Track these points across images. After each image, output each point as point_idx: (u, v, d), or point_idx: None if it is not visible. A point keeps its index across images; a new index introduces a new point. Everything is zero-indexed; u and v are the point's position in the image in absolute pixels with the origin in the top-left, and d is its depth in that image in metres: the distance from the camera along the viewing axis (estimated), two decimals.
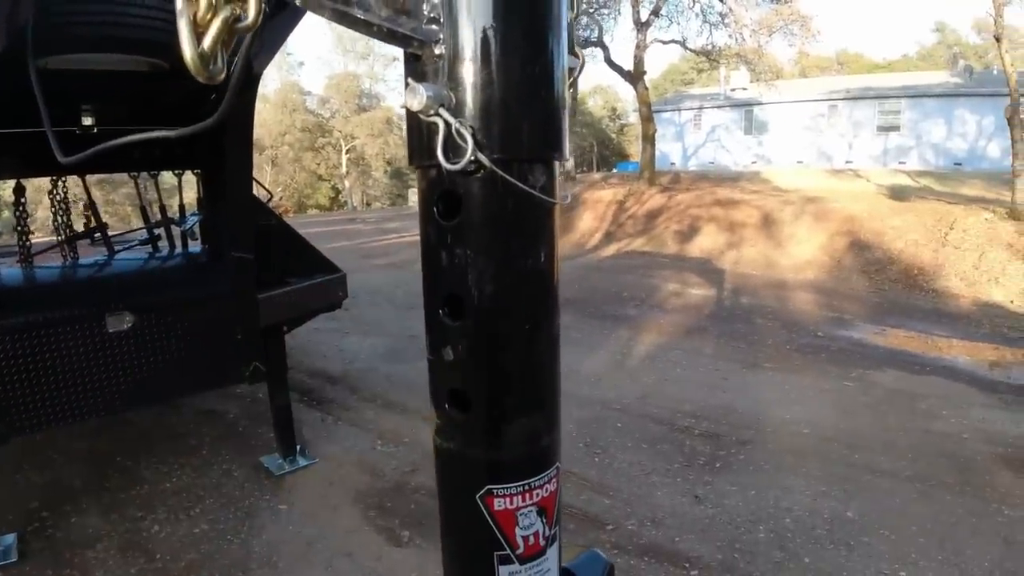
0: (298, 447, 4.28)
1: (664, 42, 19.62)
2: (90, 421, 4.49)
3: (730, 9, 17.01)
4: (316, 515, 3.66)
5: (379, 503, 3.78)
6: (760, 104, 26.01)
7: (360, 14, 0.45)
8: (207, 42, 0.44)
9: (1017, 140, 11.39)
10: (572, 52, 0.61)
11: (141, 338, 3.26)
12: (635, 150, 28.46)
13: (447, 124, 0.47)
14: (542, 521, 0.56)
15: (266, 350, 3.76)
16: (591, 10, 18.59)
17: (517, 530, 0.55)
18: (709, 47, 19.03)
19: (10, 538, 3.32)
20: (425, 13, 0.48)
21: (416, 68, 0.50)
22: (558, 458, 0.59)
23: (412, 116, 0.50)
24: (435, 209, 0.52)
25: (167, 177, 4.77)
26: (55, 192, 4.28)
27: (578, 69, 0.62)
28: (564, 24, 0.52)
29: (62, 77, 2.84)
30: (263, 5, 0.46)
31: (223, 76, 0.46)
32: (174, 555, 3.31)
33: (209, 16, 0.44)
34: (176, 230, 4.61)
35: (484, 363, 0.50)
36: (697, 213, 15.74)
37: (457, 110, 0.48)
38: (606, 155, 50.16)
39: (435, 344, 0.55)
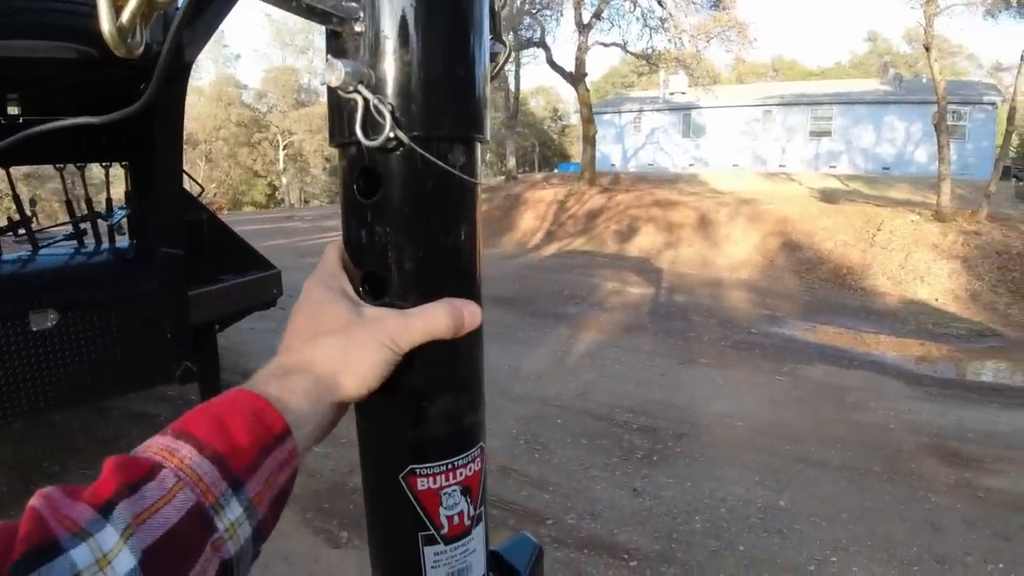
0: None
1: (605, 45, 19.92)
2: (14, 424, 4.28)
3: (670, 14, 17.36)
4: None
5: (316, 505, 3.70)
6: (698, 108, 26.67)
7: None
8: (125, 16, 0.43)
9: (943, 145, 11.99)
10: (499, 40, 0.62)
11: (66, 337, 3.12)
12: (576, 151, 28.78)
13: (366, 100, 0.47)
14: (467, 501, 0.57)
15: (198, 349, 3.64)
16: (534, 11, 18.70)
17: (441, 510, 0.55)
18: (649, 51, 19.38)
19: None
20: None
21: (337, 46, 0.50)
22: (483, 438, 0.59)
23: (332, 94, 0.50)
24: (355, 187, 0.52)
25: (96, 171, 4.57)
26: None
27: (503, 56, 0.62)
28: (486, 7, 0.53)
29: None
30: None
31: (141, 50, 0.45)
32: None
33: None
34: (103, 225, 4.41)
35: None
36: (636, 213, 16.01)
37: (377, 87, 0.48)
38: (548, 155, 50.53)
39: None
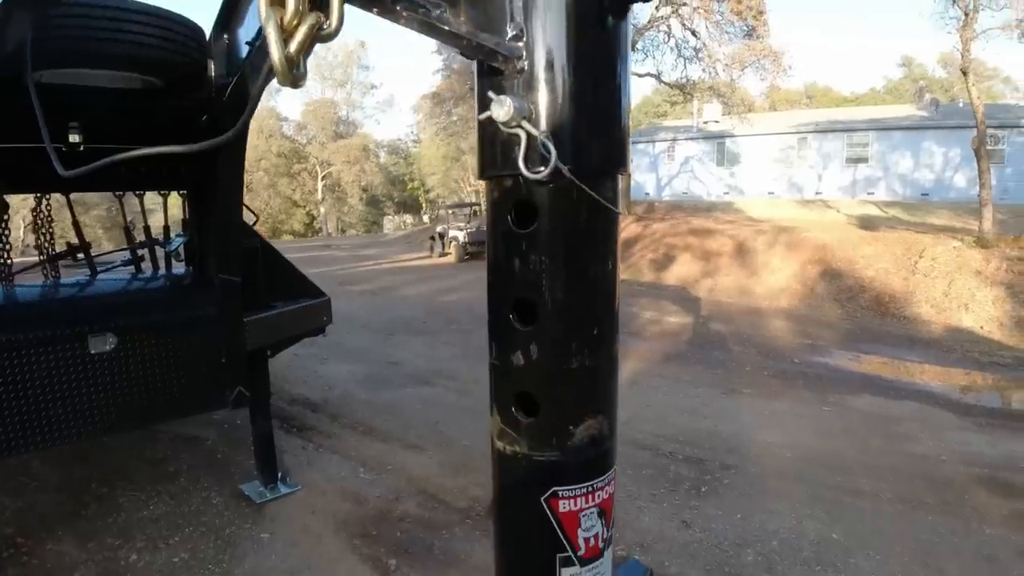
0: (279, 474, 4.20)
1: (639, 75, 20.00)
2: (69, 445, 4.36)
3: (704, 44, 17.44)
4: (299, 544, 3.59)
5: (363, 531, 3.71)
6: (732, 136, 26.48)
7: (446, 27, 0.47)
8: (293, 47, 0.45)
9: (984, 171, 11.79)
10: None
11: (124, 360, 3.20)
12: None
13: (530, 135, 0.49)
14: (602, 523, 0.58)
15: (251, 375, 3.70)
16: None
17: (580, 532, 0.56)
18: (683, 80, 19.44)
19: None
20: (508, 31, 0.50)
21: (494, 82, 0.53)
22: (615, 461, 0.60)
23: (486, 129, 0.52)
24: (508, 217, 0.54)
25: (146, 197, 4.70)
26: (38, 210, 4.20)
27: None
28: (630, 47, 0.55)
29: (49, 93, 2.81)
30: (344, 14, 0.47)
31: (304, 82, 0.47)
32: None
33: (295, 22, 0.45)
34: (160, 251, 4.54)
35: (554, 366, 0.52)
36: (672, 242, 15.95)
37: (535, 123, 0.51)
38: None
39: (503, 349, 0.57)
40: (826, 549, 3.54)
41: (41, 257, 4.33)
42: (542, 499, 0.56)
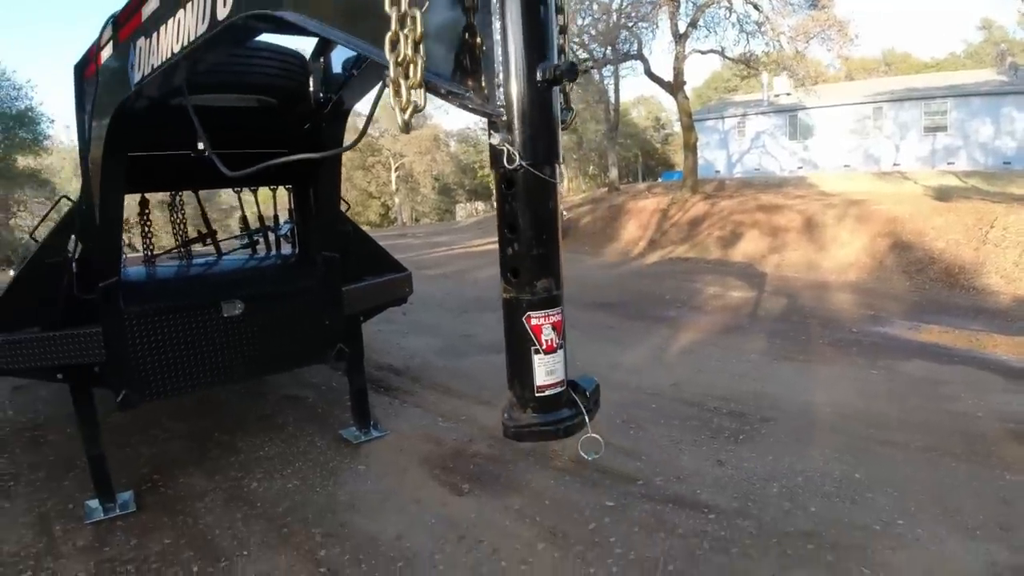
0: (372, 421, 4.96)
1: (703, 52, 19.95)
2: (192, 402, 5.21)
3: (767, 18, 17.29)
4: (389, 473, 4.33)
5: (442, 464, 4.42)
6: (804, 109, 25.96)
7: (471, 104, 1.08)
8: (407, 116, 1.06)
9: None
10: (568, 107, 1.23)
11: (249, 322, 4.00)
12: (680, 159, 28.72)
13: (508, 149, 1.10)
14: (555, 334, 1.17)
15: (348, 335, 4.47)
16: (630, 24, 19.13)
17: (542, 336, 1.16)
18: (747, 55, 19.33)
19: (127, 494, 4.02)
20: (499, 103, 1.11)
21: (494, 125, 1.14)
22: (562, 304, 1.20)
23: (491, 147, 1.13)
24: (502, 186, 1.15)
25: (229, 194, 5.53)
26: (174, 205, 5.10)
27: (570, 117, 1.24)
28: (559, 99, 1.15)
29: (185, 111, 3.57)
30: (426, 99, 1.08)
31: (410, 131, 1.08)
32: (272, 503, 3.99)
33: (406, 104, 1.06)
34: (270, 235, 5.39)
35: (525, 253, 1.12)
36: (740, 219, 16.00)
37: (512, 142, 1.11)
38: (651, 165, 50.10)
39: (503, 246, 1.17)
40: (847, 486, 3.94)
41: (177, 241, 5.24)
42: (522, 318, 1.16)
